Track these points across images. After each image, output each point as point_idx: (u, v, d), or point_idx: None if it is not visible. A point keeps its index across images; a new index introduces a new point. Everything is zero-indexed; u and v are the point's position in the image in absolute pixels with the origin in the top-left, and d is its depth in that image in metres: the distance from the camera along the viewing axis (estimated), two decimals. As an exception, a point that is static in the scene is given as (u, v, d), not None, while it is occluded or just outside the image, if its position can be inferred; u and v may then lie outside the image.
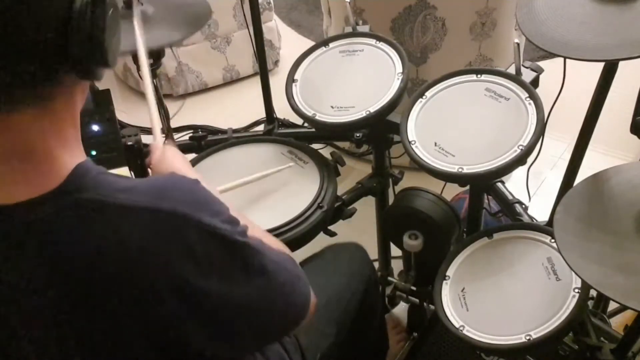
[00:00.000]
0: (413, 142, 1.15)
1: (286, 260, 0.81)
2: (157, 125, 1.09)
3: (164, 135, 1.10)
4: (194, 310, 0.66)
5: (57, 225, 0.62)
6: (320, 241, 1.26)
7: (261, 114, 1.70)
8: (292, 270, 0.81)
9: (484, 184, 1.32)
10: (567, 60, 0.99)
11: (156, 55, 1.38)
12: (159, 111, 1.45)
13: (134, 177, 1.44)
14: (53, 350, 0.65)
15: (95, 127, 1.30)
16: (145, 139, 1.40)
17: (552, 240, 1.10)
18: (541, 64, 1.16)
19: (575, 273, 0.83)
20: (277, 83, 1.51)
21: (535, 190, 2.02)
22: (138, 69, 1.42)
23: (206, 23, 1.37)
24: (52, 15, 0.58)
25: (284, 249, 0.88)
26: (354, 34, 1.38)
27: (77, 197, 0.63)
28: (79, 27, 0.60)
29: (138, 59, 1.09)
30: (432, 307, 1.50)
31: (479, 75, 1.19)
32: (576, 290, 1.00)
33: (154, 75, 1.42)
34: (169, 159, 1.01)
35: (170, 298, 0.64)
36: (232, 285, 0.70)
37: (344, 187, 1.41)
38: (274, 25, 2.77)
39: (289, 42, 2.94)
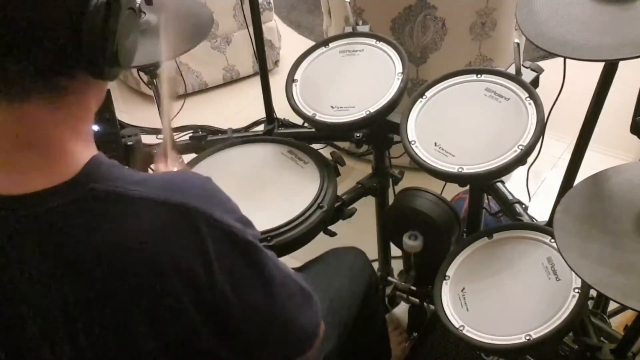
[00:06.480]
0: (413, 142, 1.15)
1: (298, 279, 0.79)
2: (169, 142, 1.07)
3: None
4: (201, 304, 0.67)
5: (69, 215, 0.63)
6: (320, 241, 1.26)
7: (261, 114, 1.70)
8: (303, 289, 0.80)
9: (484, 184, 1.32)
10: (567, 60, 0.99)
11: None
12: (159, 112, 1.45)
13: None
14: (64, 343, 0.65)
15: (95, 127, 1.30)
16: (145, 139, 1.40)
17: (552, 240, 1.09)
18: (541, 64, 1.16)
19: (575, 273, 0.83)
20: (277, 83, 1.51)
21: (535, 190, 2.02)
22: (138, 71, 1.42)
23: (209, 33, 1.38)
24: (68, 11, 0.60)
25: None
26: (354, 34, 1.38)
27: (90, 188, 0.64)
28: (92, 25, 0.61)
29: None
30: (432, 307, 1.50)
31: (479, 75, 1.19)
32: (576, 290, 1.00)
33: (153, 76, 1.42)
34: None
35: (178, 290, 0.65)
36: (238, 284, 0.69)
37: (344, 187, 1.41)
38: (274, 25, 2.76)
39: (289, 42, 2.93)
